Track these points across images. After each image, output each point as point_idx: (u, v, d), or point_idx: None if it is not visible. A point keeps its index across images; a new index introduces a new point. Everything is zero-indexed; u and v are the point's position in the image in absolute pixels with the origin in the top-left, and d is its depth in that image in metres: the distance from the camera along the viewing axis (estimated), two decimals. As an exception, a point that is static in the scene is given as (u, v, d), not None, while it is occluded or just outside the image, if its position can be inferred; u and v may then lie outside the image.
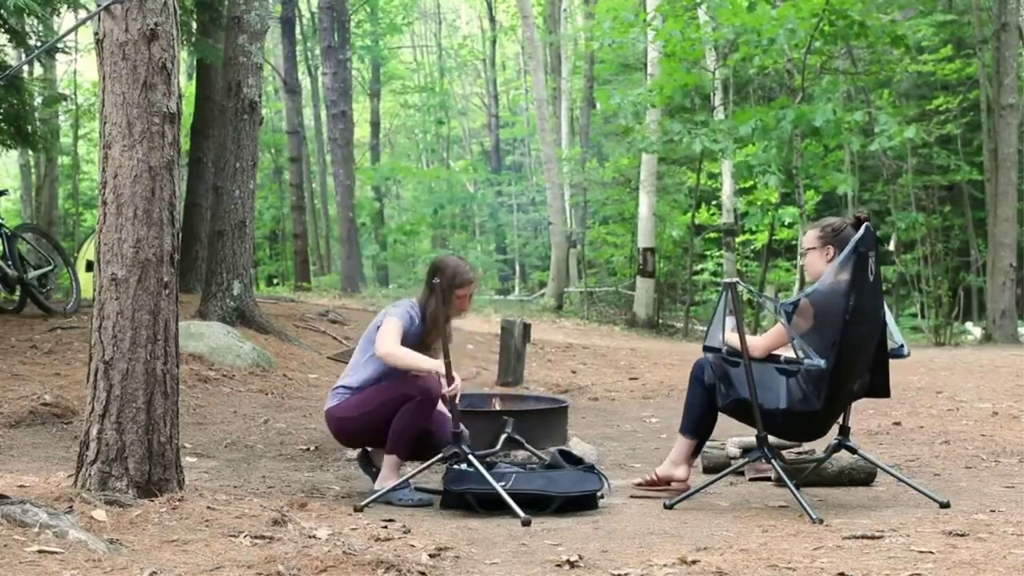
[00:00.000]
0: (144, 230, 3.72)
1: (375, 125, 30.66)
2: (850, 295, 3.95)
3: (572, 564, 3.11)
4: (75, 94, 21.31)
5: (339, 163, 21.45)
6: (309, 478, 4.83)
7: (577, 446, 5.15)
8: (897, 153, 17.82)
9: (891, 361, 4.28)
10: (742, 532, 3.63)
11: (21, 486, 3.82)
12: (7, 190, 12.48)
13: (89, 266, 11.61)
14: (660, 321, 18.46)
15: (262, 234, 27.27)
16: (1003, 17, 15.64)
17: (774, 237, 17.36)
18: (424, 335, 4.43)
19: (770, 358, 4.21)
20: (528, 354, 9.05)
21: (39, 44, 9.69)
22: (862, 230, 4.00)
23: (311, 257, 26.02)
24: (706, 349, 4.25)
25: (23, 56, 12.33)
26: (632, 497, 4.45)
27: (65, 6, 10.14)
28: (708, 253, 20.98)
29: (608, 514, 4.04)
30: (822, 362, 3.92)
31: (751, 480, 4.76)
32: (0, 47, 10.25)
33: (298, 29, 26.61)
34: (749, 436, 4.50)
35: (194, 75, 14.92)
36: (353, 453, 4.88)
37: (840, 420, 4.27)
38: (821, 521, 3.72)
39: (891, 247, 17.92)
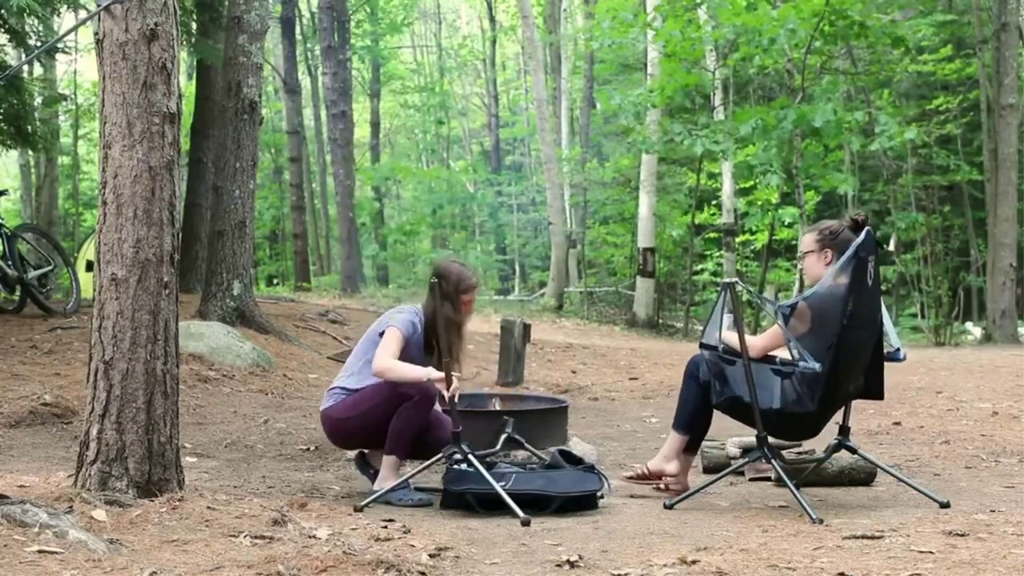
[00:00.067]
0: (144, 230, 3.72)
1: (375, 125, 30.67)
2: (848, 299, 3.95)
3: (572, 564, 3.11)
4: (75, 94, 21.31)
5: (339, 163, 21.46)
6: (309, 478, 4.83)
7: (577, 446, 5.15)
8: (897, 153, 17.82)
9: (889, 363, 4.29)
10: (742, 532, 3.63)
11: (21, 486, 3.82)
12: (7, 190, 12.48)
13: (89, 266, 11.61)
14: (660, 321, 18.46)
15: (262, 234, 27.26)
16: (1003, 17, 15.64)
17: (774, 237, 17.35)
18: (433, 342, 4.42)
19: (766, 359, 4.22)
20: (528, 354, 9.05)
21: (39, 44, 9.69)
22: (863, 234, 4.00)
23: (311, 257, 26.03)
24: (703, 346, 4.25)
25: (23, 56, 12.33)
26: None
27: (65, 6, 10.12)
28: (708, 253, 20.98)
29: (608, 514, 4.04)
30: (817, 366, 3.92)
31: (751, 480, 4.76)
32: (0, 47, 10.24)
33: (298, 29, 26.61)
34: (749, 436, 4.50)
35: (194, 75, 14.93)
36: (352, 453, 4.88)
37: (840, 420, 4.28)
38: (821, 521, 3.72)
39: (891, 247, 17.93)
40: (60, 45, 12.71)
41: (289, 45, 24.13)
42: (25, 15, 9.19)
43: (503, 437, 4.63)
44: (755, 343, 4.22)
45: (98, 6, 3.79)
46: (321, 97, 26.91)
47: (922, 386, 8.19)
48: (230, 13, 9.50)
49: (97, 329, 3.74)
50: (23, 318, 8.91)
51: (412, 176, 30.85)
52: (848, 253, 3.98)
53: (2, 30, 9.48)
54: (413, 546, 3.36)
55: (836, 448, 4.30)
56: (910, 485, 4.27)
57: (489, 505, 4.00)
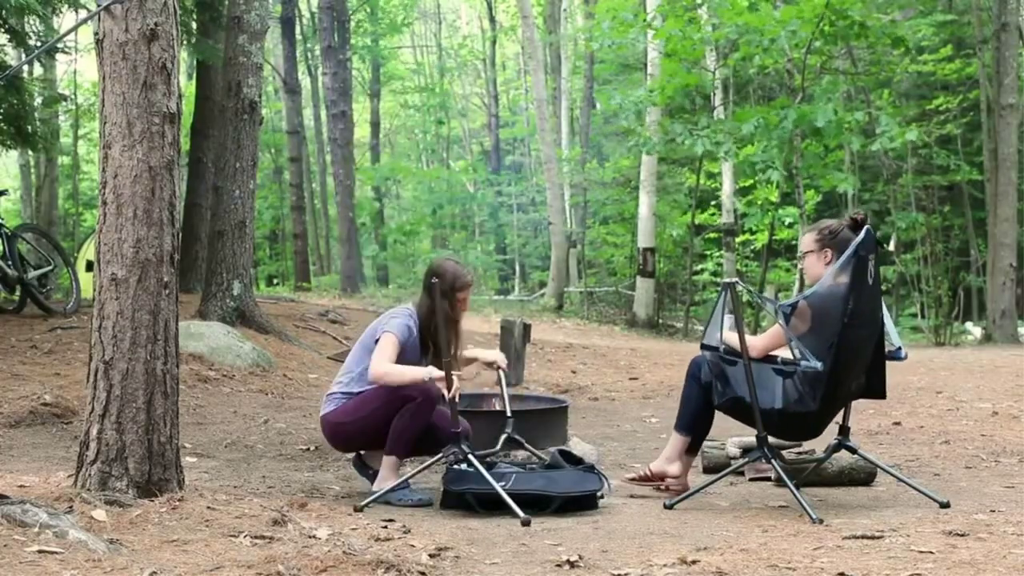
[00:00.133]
0: (144, 230, 3.72)
1: (375, 125, 30.67)
2: (849, 298, 3.95)
3: (572, 564, 3.11)
4: (75, 94, 21.28)
5: (339, 163, 21.46)
6: (309, 478, 4.83)
7: (577, 446, 5.15)
8: (897, 153, 17.82)
9: (889, 362, 4.29)
10: (742, 532, 3.63)
11: (21, 486, 3.82)
12: (7, 190, 12.48)
13: (89, 266, 11.61)
14: (660, 321, 18.46)
15: (262, 234, 27.27)
16: (1003, 17, 15.64)
17: (774, 237, 17.35)
18: (430, 341, 4.42)
19: (767, 359, 4.22)
20: (528, 354, 9.05)
21: (39, 44, 9.68)
22: (863, 233, 4.00)
23: (311, 257, 26.03)
24: (704, 347, 4.25)
25: (23, 56, 12.32)
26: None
27: (65, 6, 10.13)
28: (708, 253, 20.98)
29: (608, 514, 4.04)
30: (819, 365, 3.92)
31: (751, 480, 4.76)
32: (0, 47, 10.24)
33: (298, 29, 26.62)
34: (749, 436, 4.50)
35: (194, 75, 14.93)
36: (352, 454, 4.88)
37: (840, 420, 4.28)
38: (821, 521, 3.72)
39: (891, 247, 17.93)
40: (60, 45, 12.71)
41: (289, 45, 24.13)
42: (25, 15, 9.20)
43: (503, 437, 4.63)
44: (756, 343, 4.22)
45: (98, 6, 3.79)
46: (321, 97, 26.92)
47: (922, 386, 8.19)
48: (230, 13, 9.50)
49: (97, 329, 3.74)
50: (23, 318, 8.91)
51: (412, 176, 30.87)
52: (848, 252, 3.98)
53: (2, 30, 9.48)
54: (413, 546, 3.36)
55: (836, 448, 4.30)
56: (910, 485, 4.27)
57: (489, 505, 4.00)
